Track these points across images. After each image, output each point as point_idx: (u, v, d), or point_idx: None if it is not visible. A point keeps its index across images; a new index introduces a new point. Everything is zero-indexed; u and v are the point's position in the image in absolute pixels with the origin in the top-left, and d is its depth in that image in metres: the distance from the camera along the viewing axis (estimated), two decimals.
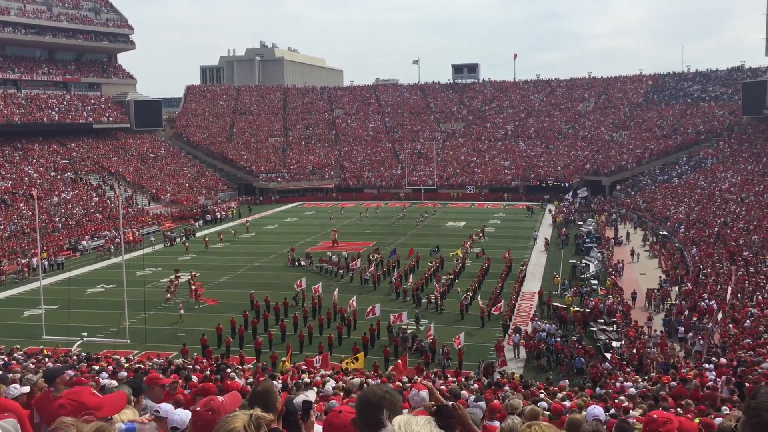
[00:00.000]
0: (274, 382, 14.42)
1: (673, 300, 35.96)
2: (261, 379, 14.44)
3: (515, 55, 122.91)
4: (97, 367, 17.95)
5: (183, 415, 4.42)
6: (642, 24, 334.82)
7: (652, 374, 22.18)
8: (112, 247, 53.49)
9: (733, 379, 15.09)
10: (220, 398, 3.54)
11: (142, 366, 20.32)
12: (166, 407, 4.67)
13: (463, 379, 21.17)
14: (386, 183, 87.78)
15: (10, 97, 77.67)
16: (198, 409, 3.55)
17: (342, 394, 13.33)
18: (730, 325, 27.40)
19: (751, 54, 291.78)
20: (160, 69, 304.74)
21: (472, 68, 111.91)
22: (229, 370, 19.12)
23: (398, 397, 2.96)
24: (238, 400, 3.65)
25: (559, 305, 34.65)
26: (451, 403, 3.79)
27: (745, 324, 26.71)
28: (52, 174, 69.74)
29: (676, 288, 38.72)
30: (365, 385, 13.53)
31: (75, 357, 23.02)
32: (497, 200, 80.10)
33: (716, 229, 48.59)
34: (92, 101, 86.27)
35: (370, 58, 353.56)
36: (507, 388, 17.52)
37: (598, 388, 20.06)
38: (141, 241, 56.17)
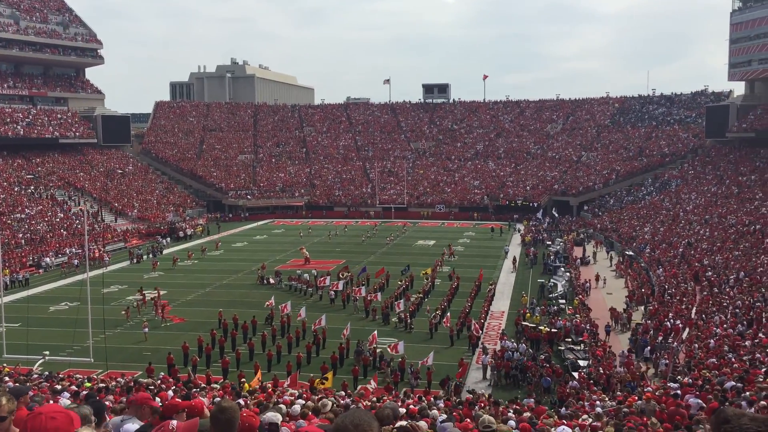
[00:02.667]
0: (239, 401, 14.25)
1: (639, 319, 36.38)
2: (222, 399, 14.20)
3: (485, 76, 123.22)
4: (58, 387, 17.56)
5: None
6: (609, 47, 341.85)
7: (617, 393, 22.35)
8: (76, 261, 52.70)
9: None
10: (174, 423, 3.47)
11: (105, 385, 19.92)
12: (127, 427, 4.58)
13: (432, 399, 21.11)
14: (356, 201, 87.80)
15: None
16: None
17: (310, 413, 13.20)
18: (695, 345, 27.80)
19: (715, 79, 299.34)
20: (129, 84, 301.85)
21: (443, 88, 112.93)
22: (195, 390, 18.83)
23: (374, 426, 2.89)
24: (193, 427, 3.57)
25: (528, 324, 34.81)
26: (409, 423, 3.78)
27: (709, 343, 27.12)
28: (15, 189, 68.50)
29: (642, 308, 39.24)
30: (335, 406, 13.43)
31: (36, 376, 22.49)
32: (467, 219, 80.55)
33: (681, 249, 49.42)
34: (59, 116, 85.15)
35: (342, 77, 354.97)
36: (477, 407, 17.53)
37: (563, 409, 20.14)
38: (103, 259, 55.20)
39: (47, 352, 28.21)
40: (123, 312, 38.17)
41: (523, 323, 35.06)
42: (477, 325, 34.03)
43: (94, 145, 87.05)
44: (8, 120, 78.46)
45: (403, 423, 4.65)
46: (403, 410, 12.32)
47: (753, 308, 31.89)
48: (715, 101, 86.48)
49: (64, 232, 62.03)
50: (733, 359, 23.14)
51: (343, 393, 21.93)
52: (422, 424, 9.30)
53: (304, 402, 15.16)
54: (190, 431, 3.49)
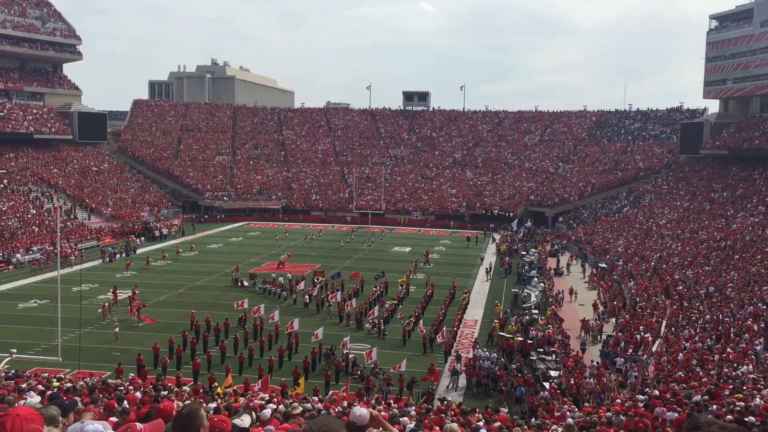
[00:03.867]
0: (211, 405, 14.13)
1: (610, 331, 36.73)
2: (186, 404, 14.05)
3: (461, 87, 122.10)
4: (24, 386, 17.26)
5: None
6: (586, 61, 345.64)
7: (585, 405, 22.51)
8: (39, 255, 52.21)
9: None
10: (139, 426, 3.45)
11: (72, 385, 19.64)
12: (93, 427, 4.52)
13: (404, 406, 21.10)
14: (333, 206, 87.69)
15: None
16: None
17: (282, 418, 13.13)
18: (664, 358, 28.12)
19: (690, 95, 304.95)
20: (107, 81, 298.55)
21: (423, 96, 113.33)
22: (165, 392, 18.63)
23: None
24: (160, 427, 3.55)
25: (504, 334, 34.88)
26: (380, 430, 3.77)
27: (678, 357, 27.45)
28: None
29: (613, 320, 39.65)
30: (306, 412, 13.40)
31: (3, 374, 22.10)
32: (443, 227, 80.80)
33: (653, 263, 50.01)
34: (34, 111, 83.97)
35: (322, 81, 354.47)
36: (447, 415, 17.55)
37: (533, 419, 20.25)
38: (75, 257, 54.42)
39: (14, 350, 27.74)
40: (100, 310, 37.72)
41: (500, 333, 35.07)
42: (442, 333, 34.39)
43: (69, 141, 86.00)
44: None
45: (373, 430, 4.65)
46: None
47: (721, 323, 32.37)
48: (690, 118, 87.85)
49: (36, 229, 61.14)
50: (700, 373, 23.45)
51: (315, 398, 21.85)
52: (394, 430, 9.31)
53: (275, 407, 15.08)
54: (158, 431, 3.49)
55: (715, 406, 14.94)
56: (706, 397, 16.69)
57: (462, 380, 29.88)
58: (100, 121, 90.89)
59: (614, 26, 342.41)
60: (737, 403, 14.66)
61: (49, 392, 13.72)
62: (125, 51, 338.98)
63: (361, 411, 4.49)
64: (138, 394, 16.95)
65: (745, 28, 74.17)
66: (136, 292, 41.65)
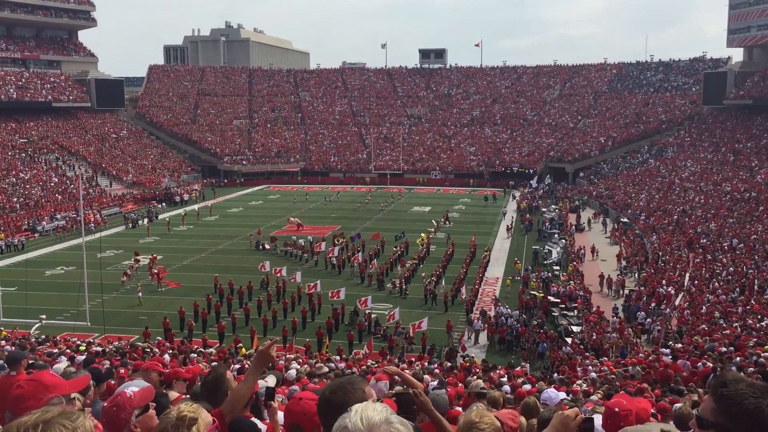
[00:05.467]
0: (236, 366, 14.37)
1: (633, 286, 36.65)
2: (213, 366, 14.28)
3: (477, 44, 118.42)
4: (55, 351, 17.66)
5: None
6: (606, 13, 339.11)
7: (604, 359, 22.57)
8: (62, 223, 53.31)
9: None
10: (129, 393, 3.45)
11: (102, 349, 20.08)
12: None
13: (426, 363, 21.32)
14: (352, 167, 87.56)
15: None
16: (105, 405, 3.51)
17: (306, 377, 13.33)
18: (687, 311, 28.05)
19: (713, 45, 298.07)
20: (123, 47, 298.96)
21: (439, 53, 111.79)
22: (194, 355, 18.97)
23: (368, 390, 2.85)
24: (149, 394, 3.54)
25: (533, 292, 34.82)
26: (411, 390, 3.78)
27: (701, 310, 27.37)
28: (9, 153, 68.06)
29: (636, 275, 39.53)
30: (331, 372, 13.59)
31: (33, 340, 22.62)
32: (462, 186, 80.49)
33: (675, 216, 49.57)
34: (52, 79, 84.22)
35: (337, 42, 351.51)
36: (471, 373, 17.71)
37: (556, 374, 20.37)
38: (99, 225, 55.05)
39: (44, 316, 28.36)
40: (123, 278, 38.16)
41: (531, 292, 34.93)
42: (463, 291, 34.74)
43: (87, 109, 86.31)
44: (1, 83, 77.60)
45: (399, 388, 4.70)
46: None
47: (745, 275, 32.14)
48: (713, 68, 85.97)
49: (59, 197, 61.83)
50: (724, 325, 23.39)
51: (337, 357, 22.14)
52: (418, 384, 9.40)
53: (299, 367, 15.30)
54: (147, 398, 3.50)
55: (738, 358, 14.91)
56: (731, 348, 16.66)
57: (483, 337, 30.09)
58: (117, 87, 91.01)
59: None
60: (762, 355, 14.62)
61: (84, 357, 13.95)
62: (139, 16, 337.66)
63: (377, 385, 4.50)
64: (166, 357, 17.28)
65: None
66: (156, 258, 42.04)
